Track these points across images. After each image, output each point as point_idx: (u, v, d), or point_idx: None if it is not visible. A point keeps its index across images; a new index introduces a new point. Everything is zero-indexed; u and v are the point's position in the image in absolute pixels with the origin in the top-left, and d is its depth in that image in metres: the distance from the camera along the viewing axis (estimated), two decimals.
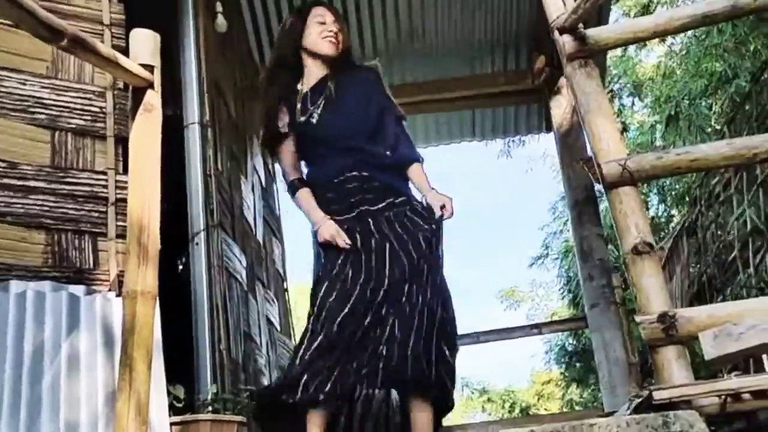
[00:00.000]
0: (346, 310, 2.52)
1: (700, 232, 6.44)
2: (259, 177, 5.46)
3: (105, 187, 2.88)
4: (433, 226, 2.70)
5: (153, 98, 2.25)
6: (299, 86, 2.98)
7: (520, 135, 8.35)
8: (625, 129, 11.85)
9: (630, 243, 2.26)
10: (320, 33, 2.97)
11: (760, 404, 1.86)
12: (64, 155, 2.87)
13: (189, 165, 3.75)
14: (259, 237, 5.10)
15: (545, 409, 18.60)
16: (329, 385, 2.43)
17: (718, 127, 7.72)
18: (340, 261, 2.65)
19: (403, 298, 2.54)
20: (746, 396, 1.89)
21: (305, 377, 2.44)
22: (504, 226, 43.41)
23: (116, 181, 2.90)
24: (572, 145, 5.91)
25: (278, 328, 5.35)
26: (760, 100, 5.07)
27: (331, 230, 2.68)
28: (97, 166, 2.91)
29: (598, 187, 4.65)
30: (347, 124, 2.87)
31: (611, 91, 11.79)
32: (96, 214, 2.84)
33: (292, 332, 5.97)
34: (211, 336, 3.46)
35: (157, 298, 2.13)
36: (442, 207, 2.71)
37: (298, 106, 2.92)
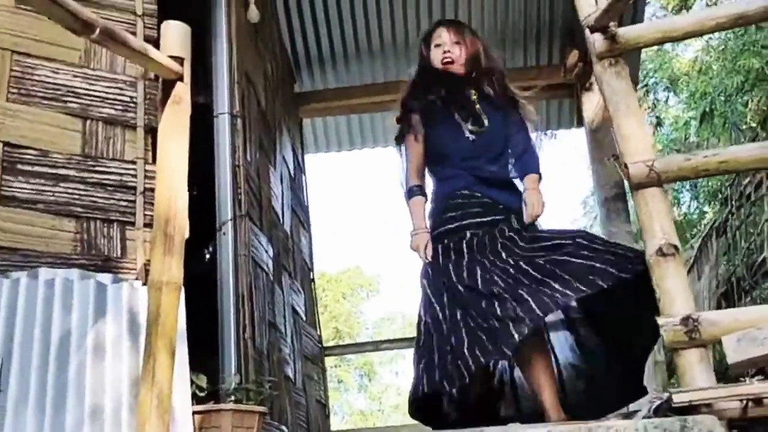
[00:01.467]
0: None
1: (729, 232, 6.34)
2: (288, 168, 5.49)
3: (134, 176, 2.91)
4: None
5: (182, 90, 2.27)
6: (439, 100, 3.10)
7: (551, 129, 8.28)
8: (659, 124, 11.72)
9: (655, 245, 2.24)
10: (440, 58, 3.13)
11: None
12: (94, 144, 2.90)
13: (218, 155, 3.78)
14: (287, 227, 5.13)
15: None
16: None
17: (754, 125, 7.59)
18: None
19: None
20: None
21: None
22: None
23: (145, 170, 2.93)
24: (602, 141, 5.86)
25: (304, 318, 5.38)
26: None
27: (420, 242, 2.93)
28: (126, 156, 2.95)
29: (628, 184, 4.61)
30: (488, 146, 3.03)
31: (646, 85, 11.64)
32: (124, 203, 2.87)
33: (317, 322, 6.01)
34: (236, 325, 3.49)
35: (182, 287, 2.15)
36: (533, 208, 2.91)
37: (457, 116, 3.04)
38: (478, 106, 3.06)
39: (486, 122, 3.03)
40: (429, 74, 3.17)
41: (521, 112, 3.13)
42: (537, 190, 2.96)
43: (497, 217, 2.90)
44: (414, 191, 3.10)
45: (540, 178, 3.02)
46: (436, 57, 3.15)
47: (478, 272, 2.71)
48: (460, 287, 2.71)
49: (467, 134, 3.01)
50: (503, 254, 2.75)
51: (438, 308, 2.75)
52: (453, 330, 2.64)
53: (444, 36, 3.17)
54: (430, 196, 3.12)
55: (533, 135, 3.15)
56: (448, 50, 3.12)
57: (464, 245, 2.83)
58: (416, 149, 3.12)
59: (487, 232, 2.85)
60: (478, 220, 2.89)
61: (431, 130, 3.08)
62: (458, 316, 2.66)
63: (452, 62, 3.11)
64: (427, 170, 3.15)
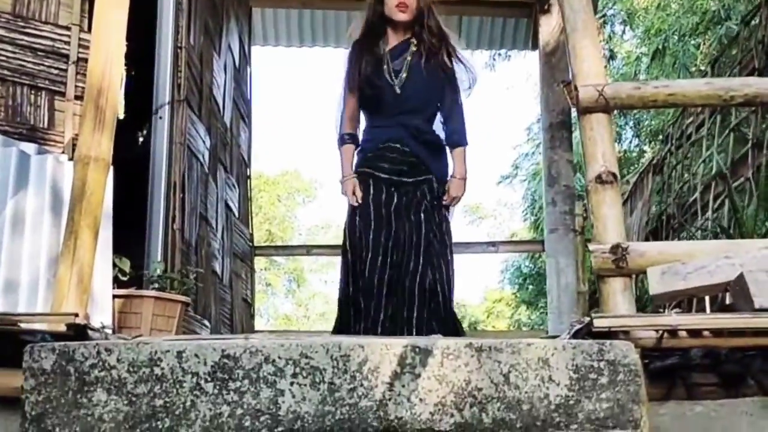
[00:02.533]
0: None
1: (666, 171, 6.46)
2: (233, 57, 5.30)
3: (67, 43, 2.75)
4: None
5: None
6: (380, 48, 3.16)
7: (505, 49, 8.23)
8: (612, 57, 11.74)
9: (595, 171, 2.23)
10: (395, 2, 3.11)
11: (695, 342, 1.88)
12: (26, 4, 2.71)
13: (160, 34, 3.61)
14: (227, 119, 4.99)
15: (493, 327, 19.10)
16: None
17: (702, 68, 7.66)
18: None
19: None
20: (682, 333, 1.91)
21: None
22: (478, 139, 43.28)
23: (80, 38, 2.76)
24: (555, 66, 5.83)
25: (236, 215, 5.31)
26: (747, 44, 5.00)
27: (349, 187, 3.01)
28: (61, 21, 2.77)
29: (575, 113, 4.62)
30: (418, 98, 3.11)
31: (603, 16, 11.58)
32: (55, 71, 2.72)
33: (250, 220, 5.95)
34: (165, 213, 3.42)
35: (111, 166, 2.07)
36: (452, 198, 3.05)
37: (384, 67, 3.10)
38: (409, 58, 3.13)
39: (414, 75, 3.11)
40: (381, 23, 3.18)
41: (456, 77, 3.19)
42: (461, 176, 3.11)
43: (419, 178, 3.04)
44: (345, 139, 3.18)
45: (465, 148, 3.18)
46: (392, 1, 3.14)
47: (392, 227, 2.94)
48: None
49: (396, 87, 3.08)
50: (412, 222, 2.96)
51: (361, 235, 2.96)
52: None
53: None
54: (362, 135, 3.21)
55: (465, 94, 3.24)
56: None
57: (387, 197, 3.00)
58: (352, 100, 3.18)
59: (407, 192, 3.01)
60: (404, 179, 3.02)
61: (368, 79, 3.12)
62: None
63: (405, 8, 3.12)
64: (361, 113, 3.23)
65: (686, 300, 3.42)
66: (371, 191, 2.99)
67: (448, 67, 3.15)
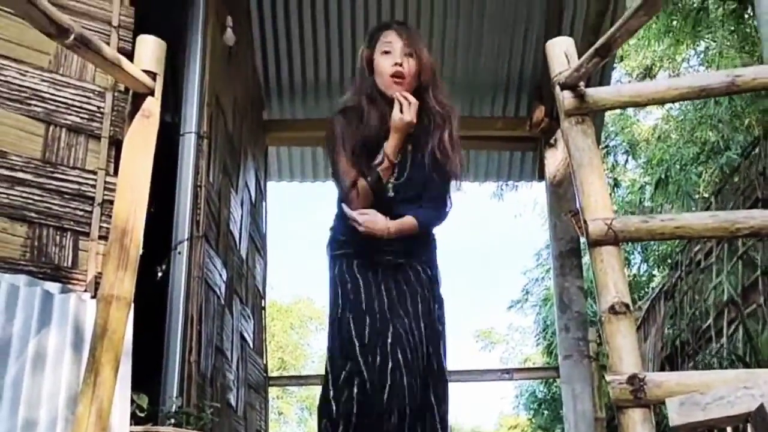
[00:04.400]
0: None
1: (677, 297, 6.47)
2: (250, 193, 5.46)
3: (93, 186, 2.86)
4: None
5: (152, 105, 2.26)
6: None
7: (512, 181, 8.42)
8: (616, 185, 11.97)
9: (608, 302, 2.27)
10: (390, 71, 2.65)
11: None
12: (55, 150, 2.85)
13: (180, 173, 3.75)
14: (243, 252, 5.09)
15: None
16: None
17: (706, 195, 7.80)
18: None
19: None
20: None
21: None
22: (488, 266, 43.44)
23: (105, 182, 2.88)
24: (562, 197, 5.97)
25: (251, 345, 5.31)
26: (749, 174, 5.13)
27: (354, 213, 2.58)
28: (87, 165, 2.90)
29: (583, 240, 4.69)
30: (409, 194, 2.70)
31: (606, 146, 11.92)
32: (81, 213, 2.82)
33: (264, 350, 5.94)
34: (182, 347, 3.44)
35: (132, 304, 2.12)
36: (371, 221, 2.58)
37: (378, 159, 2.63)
38: (409, 150, 2.69)
39: (407, 173, 2.70)
40: (376, 99, 2.69)
41: (451, 165, 2.71)
42: (397, 226, 2.61)
43: (400, 261, 2.68)
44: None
45: (419, 229, 2.67)
46: (385, 68, 2.67)
47: (382, 307, 2.58)
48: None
49: (389, 189, 2.68)
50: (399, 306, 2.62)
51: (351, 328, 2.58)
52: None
53: (395, 43, 2.68)
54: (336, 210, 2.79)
55: (454, 186, 2.78)
56: (399, 62, 2.65)
57: (372, 278, 2.64)
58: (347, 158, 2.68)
59: (392, 275, 2.66)
60: (386, 258, 2.65)
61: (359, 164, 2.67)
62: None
63: (402, 79, 2.65)
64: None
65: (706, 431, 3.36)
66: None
67: (445, 151, 2.67)
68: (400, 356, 2.50)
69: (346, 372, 2.53)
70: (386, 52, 2.69)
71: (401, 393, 2.45)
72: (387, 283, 2.65)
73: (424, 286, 2.70)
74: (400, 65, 2.66)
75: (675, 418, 2.08)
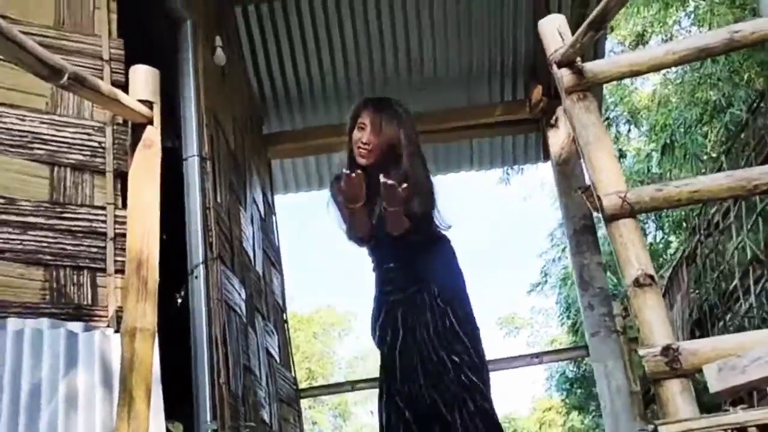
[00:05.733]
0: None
1: (699, 261, 6.43)
2: (258, 209, 5.46)
3: (104, 222, 2.87)
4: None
5: (152, 134, 2.25)
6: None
7: (517, 164, 8.40)
8: (622, 156, 11.91)
9: (632, 275, 2.24)
10: (356, 143, 2.93)
11: None
12: (62, 191, 2.85)
13: (188, 198, 3.75)
14: (258, 268, 5.08)
15: None
16: None
17: (714, 155, 7.75)
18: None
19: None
20: (752, 429, 1.86)
21: None
22: (502, 252, 43.39)
23: (115, 216, 2.88)
24: (570, 174, 5.93)
25: (278, 360, 5.31)
26: (756, 128, 5.09)
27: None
28: (96, 202, 2.90)
29: (597, 214, 4.67)
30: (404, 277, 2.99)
31: (607, 119, 11.86)
32: (95, 250, 2.82)
33: (291, 363, 5.94)
34: (210, 370, 3.43)
35: (156, 333, 2.11)
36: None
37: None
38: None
39: (399, 259, 2.99)
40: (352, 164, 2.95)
41: (410, 208, 2.84)
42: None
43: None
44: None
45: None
46: (354, 144, 2.95)
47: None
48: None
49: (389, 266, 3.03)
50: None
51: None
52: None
53: (367, 119, 2.94)
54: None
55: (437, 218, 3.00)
56: (365, 142, 2.90)
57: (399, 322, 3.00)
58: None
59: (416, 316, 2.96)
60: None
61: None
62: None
63: (365, 156, 2.90)
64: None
65: (746, 393, 3.33)
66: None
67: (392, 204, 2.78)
68: None
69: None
70: (360, 128, 2.95)
71: None
72: None
73: None
74: (365, 144, 2.91)
75: (715, 384, 2.05)
